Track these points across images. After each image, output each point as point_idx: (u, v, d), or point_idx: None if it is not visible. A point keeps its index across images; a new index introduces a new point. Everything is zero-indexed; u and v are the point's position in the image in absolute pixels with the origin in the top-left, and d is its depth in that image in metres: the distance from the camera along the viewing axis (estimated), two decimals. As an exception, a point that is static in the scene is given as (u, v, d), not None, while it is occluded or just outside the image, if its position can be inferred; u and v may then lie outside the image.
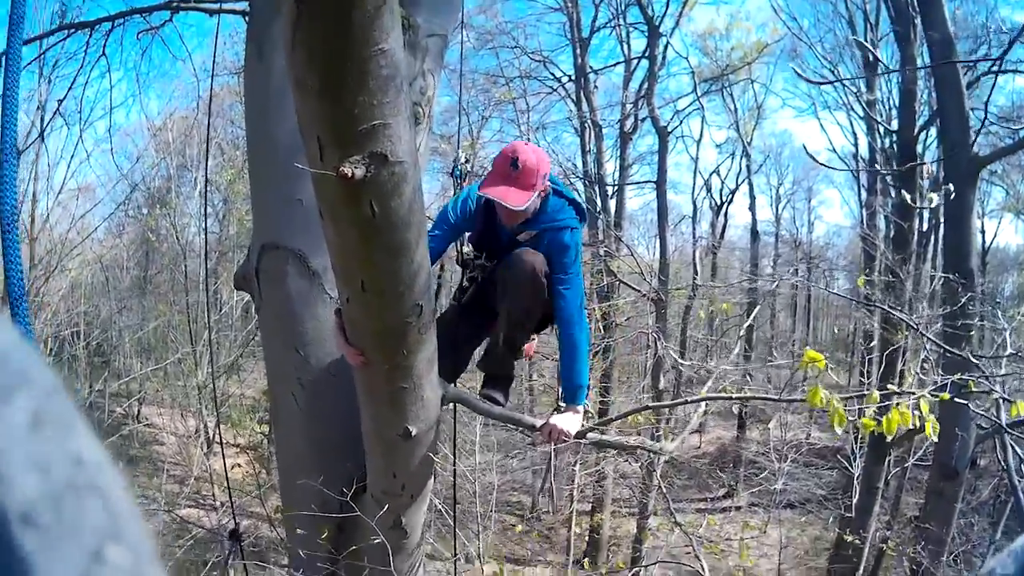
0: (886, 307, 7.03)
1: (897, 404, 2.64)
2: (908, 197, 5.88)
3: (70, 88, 6.97)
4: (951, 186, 5.44)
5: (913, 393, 2.98)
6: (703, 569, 6.78)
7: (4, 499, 0.30)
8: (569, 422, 2.83)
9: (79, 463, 0.33)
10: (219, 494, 13.50)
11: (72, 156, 16.05)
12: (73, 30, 5.45)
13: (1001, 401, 4.43)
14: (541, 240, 2.79)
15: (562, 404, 2.90)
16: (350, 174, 1.71)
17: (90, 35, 5.56)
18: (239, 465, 13.86)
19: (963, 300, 7.21)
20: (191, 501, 15.48)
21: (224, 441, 15.11)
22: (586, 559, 15.82)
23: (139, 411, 18.80)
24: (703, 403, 6.79)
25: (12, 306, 1.53)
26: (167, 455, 17.31)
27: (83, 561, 0.31)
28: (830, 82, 17.05)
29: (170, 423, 17.21)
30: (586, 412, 3.00)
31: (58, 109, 8.13)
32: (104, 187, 18.58)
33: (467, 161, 3.02)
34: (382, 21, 1.59)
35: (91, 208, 18.08)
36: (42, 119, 14.78)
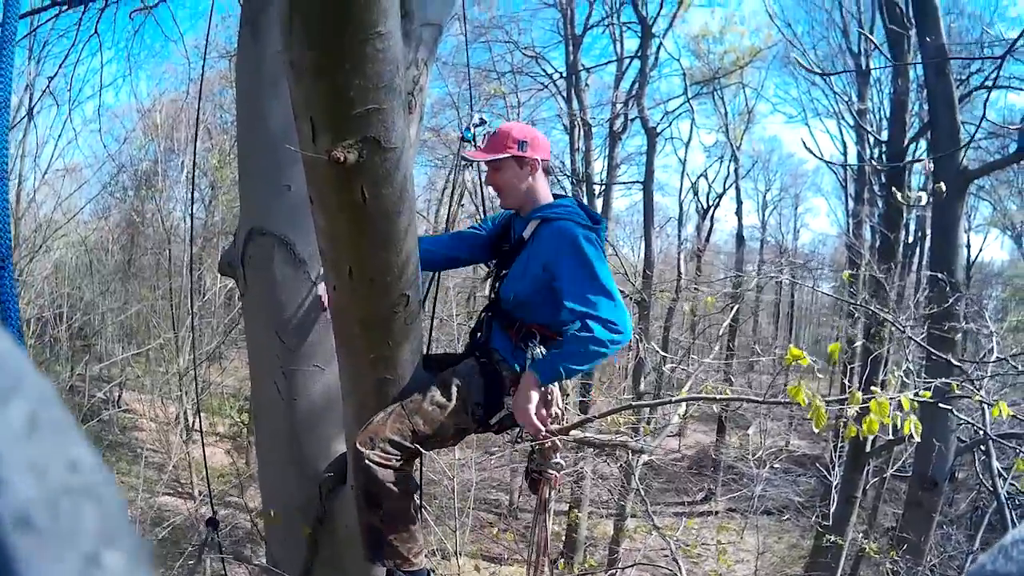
0: (872, 307, 7.04)
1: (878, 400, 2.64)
2: (899, 194, 5.87)
3: (61, 65, 6.91)
4: (942, 184, 5.45)
5: (895, 397, 2.98)
6: (680, 572, 6.78)
7: (0, 503, 0.30)
8: (521, 396, 2.47)
9: (75, 467, 0.34)
10: (197, 482, 13.44)
11: (60, 135, 16.00)
12: (66, 6, 5.36)
13: (985, 407, 4.45)
14: (539, 236, 2.62)
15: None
16: (342, 158, 1.69)
17: (83, 12, 5.50)
18: (218, 440, 13.80)
19: (950, 301, 7.23)
20: (169, 489, 15.40)
21: (204, 429, 15.02)
22: (561, 559, 15.81)
23: (119, 396, 18.66)
24: (683, 404, 6.81)
25: (3, 309, 1.49)
26: (146, 441, 17.21)
27: (79, 565, 0.31)
28: (827, 74, 17.20)
29: (150, 409, 17.12)
30: (566, 409, 2.75)
31: (48, 87, 8.03)
32: (91, 168, 18.49)
33: (482, 123, 2.84)
34: (380, 3, 1.57)
35: (77, 188, 18.01)
36: (31, 98, 14.69)
